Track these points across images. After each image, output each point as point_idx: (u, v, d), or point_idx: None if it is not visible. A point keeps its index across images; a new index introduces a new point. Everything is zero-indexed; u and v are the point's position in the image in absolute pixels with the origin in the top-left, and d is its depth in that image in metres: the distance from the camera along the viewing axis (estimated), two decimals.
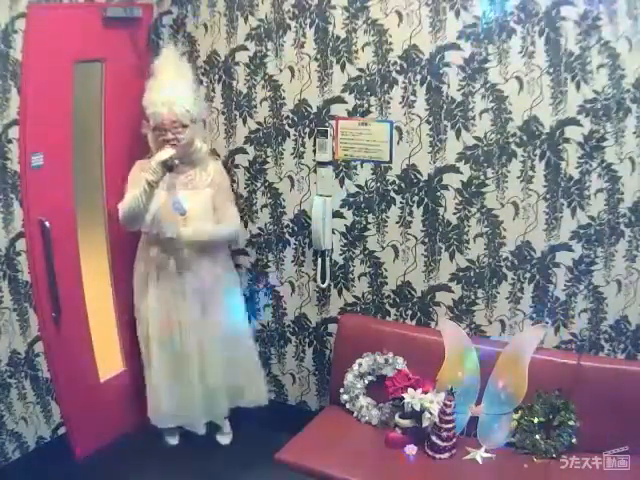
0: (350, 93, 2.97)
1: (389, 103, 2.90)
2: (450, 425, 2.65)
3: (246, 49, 3.15)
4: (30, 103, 2.73)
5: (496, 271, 2.87)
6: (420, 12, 2.75)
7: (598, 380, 2.63)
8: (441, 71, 2.77)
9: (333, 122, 3.03)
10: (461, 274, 2.95)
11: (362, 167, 3.03)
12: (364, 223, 3.09)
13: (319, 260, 3.21)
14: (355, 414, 2.97)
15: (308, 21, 2.98)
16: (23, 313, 2.88)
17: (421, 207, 2.95)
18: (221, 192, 3.10)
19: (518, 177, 2.75)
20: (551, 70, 2.60)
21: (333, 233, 3.17)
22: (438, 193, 2.90)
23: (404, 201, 2.98)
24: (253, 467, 3.08)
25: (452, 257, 2.94)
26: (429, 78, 2.80)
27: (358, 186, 3.06)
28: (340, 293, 3.23)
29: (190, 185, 3.01)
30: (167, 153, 2.84)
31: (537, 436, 2.65)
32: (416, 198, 2.95)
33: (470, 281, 2.94)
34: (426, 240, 2.98)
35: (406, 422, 2.78)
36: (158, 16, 3.30)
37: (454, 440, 2.67)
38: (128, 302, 3.26)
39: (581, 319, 2.79)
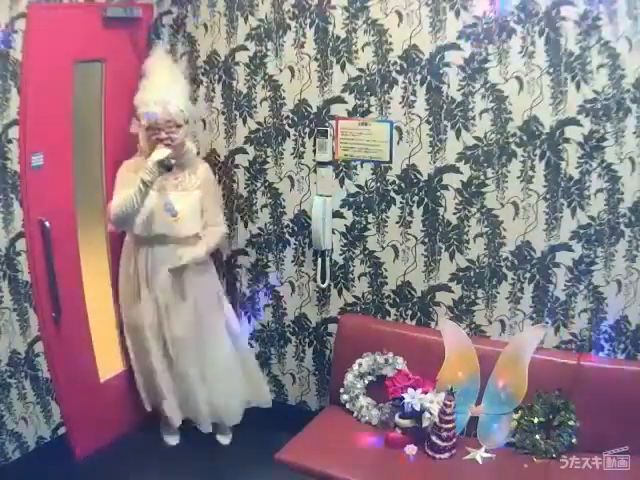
0: (350, 93, 2.97)
1: (389, 103, 2.90)
2: (450, 425, 2.65)
3: (246, 49, 3.15)
4: (30, 103, 2.73)
5: (496, 271, 2.88)
6: (420, 12, 2.75)
7: (598, 380, 2.63)
8: (441, 71, 2.77)
9: (333, 122, 3.03)
10: (461, 274, 2.95)
11: (362, 167, 3.03)
12: (364, 223, 3.09)
13: (319, 260, 3.21)
14: (355, 414, 2.97)
15: (308, 21, 2.98)
16: (23, 313, 2.88)
17: (421, 207, 2.95)
18: (210, 194, 3.11)
19: (518, 177, 2.75)
20: (551, 70, 2.60)
21: (333, 233, 3.17)
22: (438, 193, 2.90)
23: (404, 201, 2.98)
24: (253, 467, 3.07)
25: (452, 257, 2.94)
26: (429, 78, 2.80)
27: (358, 186, 3.06)
28: (340, 293, 3.23)
29: (180, 187, 3.01)
30: (163, 153, 2.84)
31: (537, 436, 2.65)
32: (416, 198, 2.95)
33: (470, 281, 2.94)
34: (426, 240, 2.98)
35: (406, 422, 2.78)
36: (158, 16, 3.31)
37: (454, 440, 2.67)
38: None
39: (581, 319, 2.79)
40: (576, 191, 2.67)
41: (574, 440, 2.61)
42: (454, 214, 2.90)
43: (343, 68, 2.96)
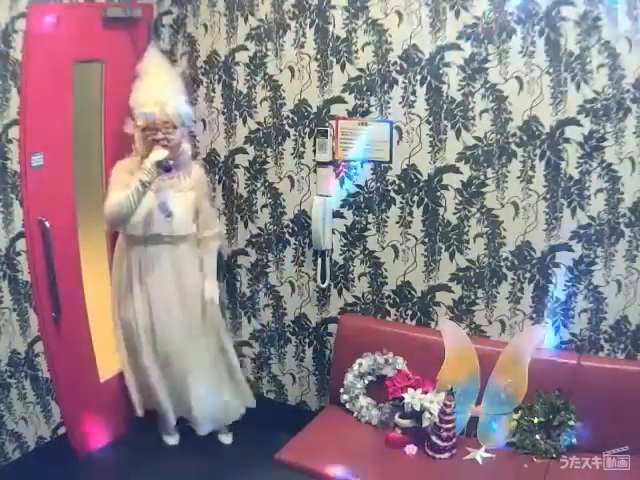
0: (350, 93, 2.97)
1: (389, 103, 2.90)
2: (450, 425, 2.66)
3: (246, 49, 3.15)
4: (30, 103, 2.73)
5: (496, 271, 2.87)
6: (420, 12, 2.75)
7: (598, 380, 2.63)
8: (441, 71, 2.77)
9: (333, 122, 3.03)
10: (461, 274, 2.95)
11: (362, 167, 3.03)
12: (364, 223, 3.09)
13: (319, 260, 3.21)
14: (355, 414, 2.97)
15: (308, 21, 2.98)
16: (23, 313, 2.88)
17: (421, 207, 2.95)
18: (204, 196, 3.14)
19: (518, 177, 2.75)
20: (551, 70, 2.60)
21: (333, 233, 3.17)
22: (438, 193, 2.90)
23: (404, 201, 2.98)
24: (253, 467, 3.07)
25: (452, 257, 2.94)
26: (429, 78, 2.80)
27: (358, 186, 3.06)
28: (340, 293, 3.23)
29: (175, 188, 3.01)
30: (162, 154, 2.84)
31: (537, 436, 2.65)
32: (416, 198, 2.95)
33: (470, 281, 2.94)
34: (426, 240, 2.98)
35: (406, 422, 2.78)
36: (158, 16, 3.31)
37: (454, 440, 2.67)
38: None
39: (581, 319, 2.79)
40: (576, 191, 2.67)
41: (574, 440, 2.62)
42: (454, 214, 2.90)
43: (343, 68, 2.96)
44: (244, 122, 3.24)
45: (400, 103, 2.88)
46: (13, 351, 2.86)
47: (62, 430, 3.12)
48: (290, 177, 3.20)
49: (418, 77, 2.82)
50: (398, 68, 2.84)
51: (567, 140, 2.63)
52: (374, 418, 2.93)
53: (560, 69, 2.58)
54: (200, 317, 3.15)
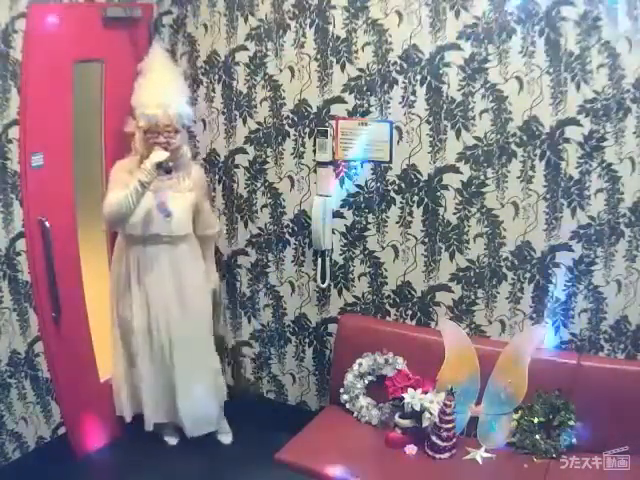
0: (350, 93, 2.97)
1: (389, 103, 2.90)
2: (450, 425, 2.65)
3: (246, 49, 3.15)
4: (30, 103, 2.73)
5: (496, 271, 2.87)
6: (420, 12, 2.75)
7: (598, 380, 2.63)
8: (441, 71, 2.77)
9: (333, 122, 3.03)
10: (461, 274, 2.95)
11: (362, 167, 3.03)
12: (364, 223, 3.09)
13: (319, 260, 3.21)
14: (355, 414, 2.97)
15: (308, 21, 2.98)
16: (23, 313, 2.88)
17: (421, 207, 2.95)
18: (204, 196, 3.16)
19: (518, 177, 2.74)
20: (551, 70, 2.60)
21: (333, 233, 3.17)
22: (438, 193, 2.90)
23: (404, 201, 2.98)
24: (253, 467, 3.07)
25: (452, 257, 2.94)
26: (429, 78, 2.80)
27: (358, 186, 3.06)
28: (340, 293, 3.23)
29: (174, 188, 3.01)
30: (162, 155, 2.84)
31: (537, 436, 2.65)
32: (416, 198, 2.95)
33: (470, 281, 2.94)
34: (426, 240, 2.98)
35: (406, 422, 2.78)
36: (158, 16, 3.31)
37: (454, 440, 2.67)
38: None
39: (581, 319, 2.79)
40: (576, 191, 2.67)
41: (574, 440, 2.62)
42: (454, 214, 2.90)
43: (343, 68, 2.96)
44: (244, 122, 3.24)
45: (400, 103, 2.88)
46: (13, 351, 2.86)
47: (62, 430, 3.12)
48: (290, 177, 3.20)
49: (418, 77, 2.82)
50: (398, 68, 2.84)
51: (567, 140, 2.63)
52: (374, 418, 2.93)
53: (560, 69, 2.58)
54: (198, 318, 3.15)
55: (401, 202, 2.99)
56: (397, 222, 3.02)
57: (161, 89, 2.90)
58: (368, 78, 2.91)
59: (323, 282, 3.23)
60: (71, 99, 2.94)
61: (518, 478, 2.55)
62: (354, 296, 3.21)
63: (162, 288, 3.05)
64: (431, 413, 2.68)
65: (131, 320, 3.09)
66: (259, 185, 3.29)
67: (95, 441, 3.24)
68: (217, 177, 3.37)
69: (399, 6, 2.78)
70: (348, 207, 3.11)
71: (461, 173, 2.84)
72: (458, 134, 2.80)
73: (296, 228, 3.26)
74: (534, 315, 2.85)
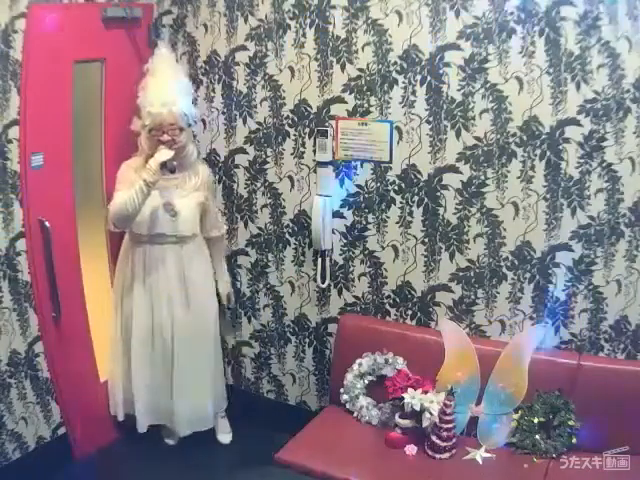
0: (350, 93, 2.97)
1: (389, 103, 2.90)
2: (450, 425, 2.66)
3: (246, 49, 3.15)
4: (30, 103, 2.73)
5: (496, 271, 2.87)
6: (420, 12, 2.75)
7: (598, 380, 2.63)
8: (441, 71, 2.77)
9: (333, 122, 3.03)
10: (461, 274, 2.95)
11: (362, 167, 3.03)
12: (364, 223, 3.09)
13: (319, 260, 3.21)
14: (355, 414, 2.97)
15: (308, 21, 2.98)
16: (23, 313, 2.88)
17: (421, 207, 2.95)
18: (211, 196, 3.17)
19: (518, 177, 2.74)
20: (551, 70, 2.59)
21: (333, 233, 3.17)
22: (438, 193, 2.90)
23: (404, 201, 2.98)
24: (253, 467, 3.08)
25: (452, 257, 2.94)
26: (429, 78, 2.80)
27: (358, 186, 3.06)
28: (340, 293, 3.23)
29: (180, 188, 3.01)
30: (167, 154, 2.84)
31: (537, 436, 2.65)
32: (416, 198, 2.95)
33: (470, 281, 2.94)
34: (426, 240, 2.98)
35: (406, 422, 2.78)
36: (158, 16, 3.31)
37: (454, 440, 2.67)
38: None
39: (581, 319, 2.79)
40: (576, 191, 2.67)
41: (574, 440, 2.61)
42: (454, 214, 2.90)
43: (343, 68, 2.96)
44: (244, 122, 3.24)
45: (400, 103, 2.88)
46: (13, 351, 2.86)
47: (62, 430, 3.12)
48: (290, 177, 3.20)
49: (418, 77, 2.82)
50: (398, 68, 2.84)
51: (567, 140, 2.63)
52: (374, 418, 2.93)
53: (560, 69, 2.58)
54: (202, 320, 3.15)
55: (401, 202, 2.99)
56: (397, 222, 3.02)
57: (166, 88, 2.90)
58: (368, 78, 2.91)
59: (323, 282, 3.23)
60: (71, 99, 2.94)
61: (518, 478, 2.55)
62: (354, 296, 3.21)
63: (167, 288, 3.05)
64: (431, 413, 2.68)
65: (134, 319, 3.09)
66: (259, 185, 3.29)
67: (95, 441, 3.24)
68: (217, 177, 3.37)
69: (399, 6, 2.78)
70: (348, 207, 3.11)
71: (461, 173, 2.84)
72: (458, 134, 2.80)
73: (296, 228, 3.26)
74: (534, 315, 2.85)
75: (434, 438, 2.67)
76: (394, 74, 2.86)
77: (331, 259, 3.21)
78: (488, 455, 2.67)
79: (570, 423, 2.62)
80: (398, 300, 3.11)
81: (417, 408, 2.70)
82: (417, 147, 2.89)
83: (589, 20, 2.50)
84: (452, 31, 2.71)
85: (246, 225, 3.37)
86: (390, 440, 2.78)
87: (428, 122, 2.84)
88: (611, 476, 2.46)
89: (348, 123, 3.00)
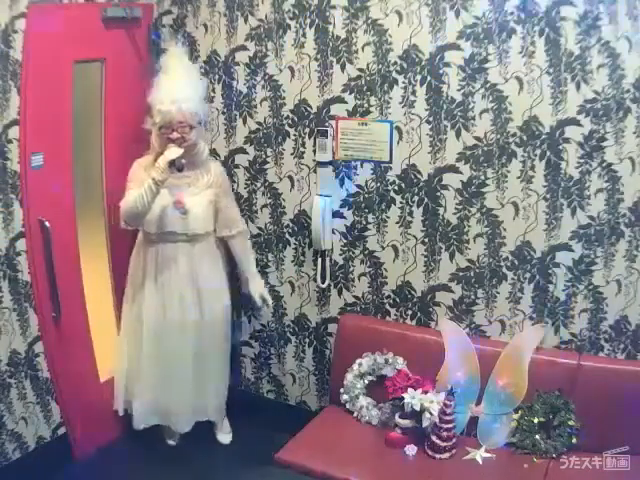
0: (350, 93, 2.97)
1: (389, 103, 2.90)
2: (450, 425, 2.66)
3: (246, 49, 3.15)
4: (30, 103, 2.73)
5: (496, 271, 2.87)
6: (420, 12, 2.75)
7: (598, 380, 2.63)
8: (441, 71, 2.77)
9: (333, 122, 3.03)
10: (461, 274, 2.95)
11: (362, 167, 3.03)
12: (364, 223, 3.09)
13: (319, 260, 3.21)
14: (355, 414, 2.97)
15: (308, 21, 2.98)
16: (23, 313, 2.88)
17: (421, 207, 2.95)
18: (224, 194, 3.12)
19: (518, 177, 2.74)
20: (551, 70, 2.60)
21: (333, 233, 3.17)
22: (438, 193, 2.90)
23: (404, 201, 2.98)
24: (253, 467, 3.07)
25: (452, 257, 2.94)
26: (429, 78, 2.80)
27: (358, 186, 3.06)
28: (340, 293, 3.23)
29: (191, 186, 3.01)
30: (176, 152, 2.83)
31: (537, 436, 2.65)
32: (416, 198, 2.95)
33: (470, 281, 2.94)
34: (426, 240, 2.98)
35: (406, 422, 2.78)
36: (158, 16, 3.31)
37: (454, 440, 2.67)
38: None
39: (581, 319, 2.79)
40: (576, 191, 2.67)
41: (574, 440, 2.61)
42: (454, 214, 2.90)
43: (343, 68, 2.96)
44: (244, 122, 3.24)
45: (400, 103, 2.88)
46: (13, 351, 2.86)
47: (62, 430, 3.12)
48: (290, 177, 3.20)
49: (418, 77, 2.82)
50: (398, 68, 2.85)
51: (567, 140, 2.63)
52: (374, 418, 2.93)
53: (560, 69, 2.58)
54: (213, 321, 3.15)
55: (401, 202, 2.99)
56: (397, 222, 3.02)
57: (178, 87, 2.90)
58: (368, 78, 2.91)
59: (323, 282, 3.23)
60: (71, 99, 2.94)
61: (518, 478, 2.55)
62: (354, 296, 3.21)
63: (179, 287, 3.04)
64: (431, 413, 2.68)
65: (145, 317, 3.08)
66: (259, 185, 3.29)
67: (95, 441, 3.24)
68: None
69: (399, 6, 2.78)
70: (348, 207, 3.11)
71: (461, 173, 2.84)
72: (458, 134, 2.80)
73: (296, 228, 3.26)
74: (534, 315, 2.85)
75: (434, 438, 2.67)
76: (394, 74, 2.86)
77: (331, 259, 3.21)
78: (488, 455, 2.67)
79: (570, 423, 2.62)
80: (398, 300, 3.11)
81: (417, 408, 2.70)
82: (417, 147, 2.89)
83: (589, 20, 2.50)
84: (452, 31, 2.72)
85: (246, 225, 3.37)
86: (390, 440, 2.78)
87: (428, 122, 2.85)
88: (611, 476, 2.46)
89: (348, 123, 3.00)
